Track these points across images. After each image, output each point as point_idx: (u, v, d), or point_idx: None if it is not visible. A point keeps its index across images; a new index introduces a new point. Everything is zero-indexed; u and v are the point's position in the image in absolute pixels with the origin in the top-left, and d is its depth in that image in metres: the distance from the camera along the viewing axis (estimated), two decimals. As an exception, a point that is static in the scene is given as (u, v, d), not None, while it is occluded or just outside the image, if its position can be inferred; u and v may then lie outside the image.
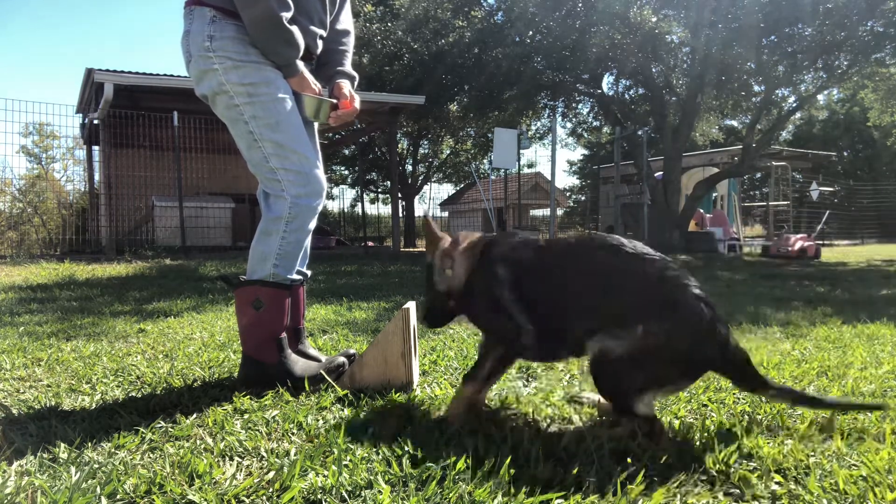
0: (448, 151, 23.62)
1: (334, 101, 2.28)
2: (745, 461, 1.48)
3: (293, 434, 1.68)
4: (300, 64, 2.17)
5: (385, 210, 23.12)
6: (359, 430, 1.68)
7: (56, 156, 24.17)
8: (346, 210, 23.51)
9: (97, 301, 4.77)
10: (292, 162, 2.14)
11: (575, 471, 1.39)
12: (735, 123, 20.73)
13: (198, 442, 1.62)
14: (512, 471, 1.39)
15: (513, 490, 1.32)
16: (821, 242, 15.19)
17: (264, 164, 2.15)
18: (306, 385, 2.10)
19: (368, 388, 2.11)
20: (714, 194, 15.76)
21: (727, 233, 14.39)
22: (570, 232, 26.78)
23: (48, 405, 1.97)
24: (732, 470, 1.43)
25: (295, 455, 1.50)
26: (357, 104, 2.32)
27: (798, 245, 11.86)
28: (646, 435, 1.59)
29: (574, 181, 37.78)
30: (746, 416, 1.85)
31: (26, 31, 60.56)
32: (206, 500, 1.27)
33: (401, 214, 17.30)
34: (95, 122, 11.63)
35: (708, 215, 15.04)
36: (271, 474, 1.39)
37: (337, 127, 11.26)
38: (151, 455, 1.54)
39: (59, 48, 67.76)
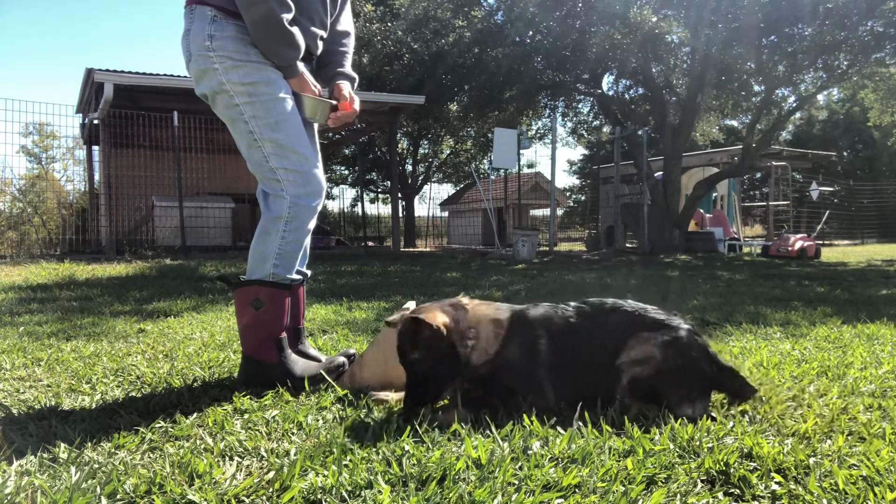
0: (448, 151, 23.62)
1: (334, 102, 2.28)
2: (745, 461, 1.48)
3: (293, 434, 1.68)
4: (300, 65, 2.17)
5: (385, 210, 23.14)
6: (359, 430, 1.68)
7: (56, 156, 24.22)
8: (346, 210, 23.54)
9: (97, 301, 4.77)
10: (292, 161, 2.14)
11: (575, 471, 1.39)
12: (735, 123, 20.74)
13: (198, 442, 1.62)
14: (512, 471, 1.39)
15: (513, 490, 1.32)
16: (821, 242, 15.20)
17: (264, 163, 2.15)
18: (306, 385, 2.11)
19: (368, 388, 2.11)
20: (714, 194, 15.76)
21: (727, 233, 14.39)
22: (570, 232, 26.74)
23: (48, 405, 1.97)
24: (732, 470, 1.43)
25: (295, 455, 1.50)
26: (357, 106, 2.32)
27: (798, 245, 11.86)
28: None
29: (574, 181, 37.80)
30: (746, 417, 1.85)
31: (26, 31, 60.58)
32: (206, 500, 1.27)
33: (401, 214, 17.30)
34: (95, 122, 11.63)
35: (708, 215, 15.03)
36: (271, 474, 1.39)
37: (336, 127, 11.28)
38: (151, 455, 1.54)
39: (59, 48, 67.78)
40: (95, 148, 13.05)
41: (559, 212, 23.21)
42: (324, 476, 1.36)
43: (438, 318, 1.86)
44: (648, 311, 1.96)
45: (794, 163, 20.18)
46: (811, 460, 1.48)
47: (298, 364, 2.18)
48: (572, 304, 2.01)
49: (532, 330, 1.91)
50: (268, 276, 2.15)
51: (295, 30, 2.09)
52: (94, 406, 1.98)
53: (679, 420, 1.74)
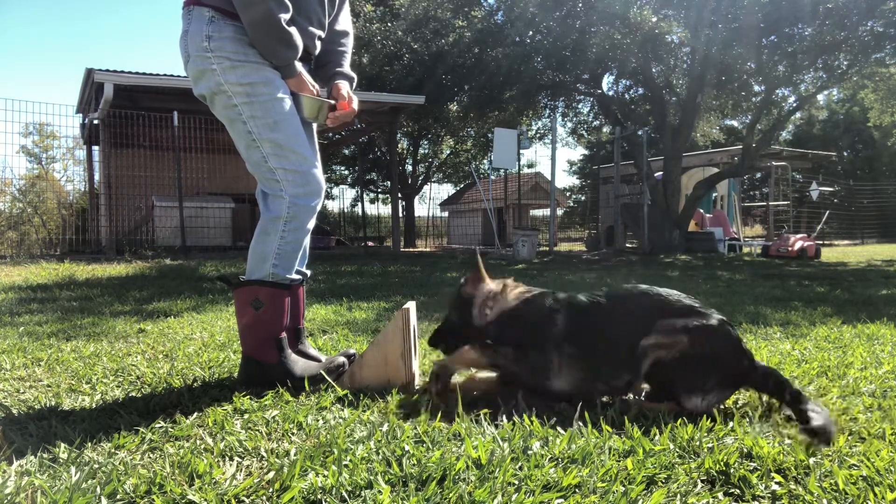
0: (448, 151, 23.62)
1: (332, 101, 2.28)
2: (745, 461, 1.48)
3: (293, 434, 1.68)
4: (298, 65, 2.17)
5: (385, 210, 23.17)
6: (359, 430, 1.68)
7: (56, 156, 24.26)
8: (346, 210, 23.55)
9: (97, 301, 4.77)
10: (291, 161, 2.14)
11: (575, 471, 1.39)
12: (735, 123, 20.74)
13: (198, 442, 1.62)
14: (512, 471, 1.39)
15: (513, 490, 1.32)
16: (821, 242, 15.20)
17: (263, 163, 2.14)
18: (306, 385, 2.10)
19: (368, 388, 2.11)
20: (714, 194, 15.76)
21: (727, 233, 14.39)
22: (570, 232, 26.75)
23: (48, 405, 1.97)
24: (732, 470, 1.42)
25: (295, 455, 1.50)
26: (355, 105, 2.32)
27: (798, 245, 11.86)
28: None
29: (574, 181, 37.80)
30: (747, 417, 1.85)
31: (26, 31, 60.59)
32: (206, 500, 1.27)
33: (401, 214, 17.30)
34: (95, 122, 11.63)
35: (708, 215, 15.03)
36: (271, 474, 1.39)
37: (336, 127, 11.29)
38: (151, 455, 1.54)
39: (59, 48, 67.79)
40: (95, 148, 13.06)
41: (559, 212, 23.21)
42: (324, 476, 1.36)
43: (494, 283, 2.20)
44: (682, 298, 1.97)
45: (794, 163, 20.18)
46: (811, 460, 1.48)
47: (298, 364, 2.18)
48: (605, 290, 2.10)
49: (552, 303, 2.06)
50: (267, 276, 2.15)
51: (293, 30, 2.09)
52: (94, 406, 1.98)
53: (679, 420, 1.74)
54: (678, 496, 1.32)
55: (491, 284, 2.20)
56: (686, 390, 1.85)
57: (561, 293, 2.12)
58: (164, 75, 11.24)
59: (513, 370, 2.02)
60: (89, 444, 1.60)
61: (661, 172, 13.89)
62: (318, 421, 1.77)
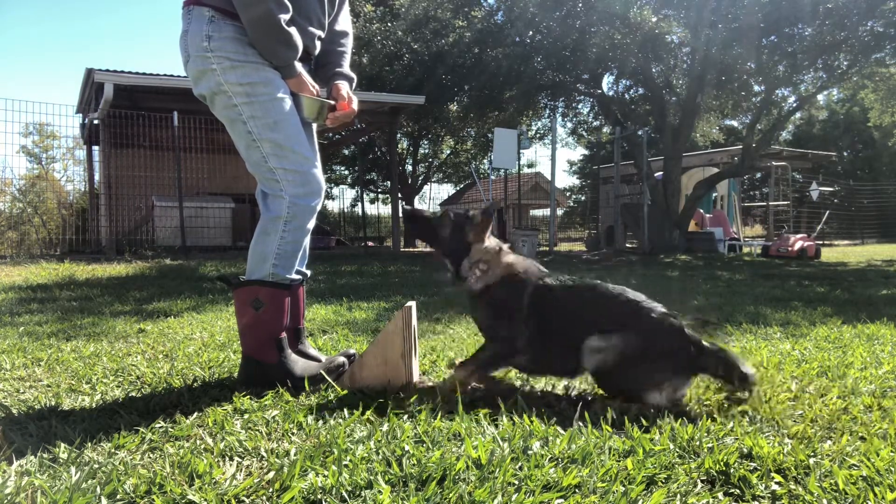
0: (448, 151, 23.63)
1: (332, 102, 2.28)
2: (745, 461, 1.48)
3: (293, 434, 1.68)
4: (298, 65, 2.17)
5: (385, 210, 23.20)
6: (359, 430, 1.68)
7: (56, 156, 24.28)
8: (346, 210, 23.55)
9: (97, 301, 4.77)
10: (291, 161, 2.14)
11: (575, 471, 1.39)
12: (735, 123, 20.75)
13: (198, 442, 1.62)
14: (512, 471, 1.39)
15: (513, 490, 1.32)
16: (821, 242, 15.19)
17: (263, 163, 2.14)
18: (306, 385, 2.10)
19: (368, 388, 2.11)
20: (714, 194, 15.76)
21: (727, 233, 14.39)
22: (570, 232, 26.75)
23: (48, 405, 1.97)
24: (732, 470, 1.43)
25: (295, 455, 1.50)
26: (355, 105, 2.32)
27: (798, 245, 11.86)
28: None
29: (574, 181, 37.78)
30: (746, 416, 1.85)
31: (26, 31, 60.60)
32: (206, 500, 1.27)
33: (401, 214, 17.28)
34: (95, 122, 11.63)
35: (708, 215, 15.03)
36: (271, 474, 1.39)
37: (335, 127, 11.28)
38: (151, 455, 1.54)
39: (59, 48, 67.80)
40: (95, 148, 13.05)
41: (559, 212, 23.22)
42: (324, 476, 1.36)
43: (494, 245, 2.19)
44: (627, 293, 2.03)
45: (794, 163, 20.18)
46: (811, 460, 1.48)
47: (298, 364, 2.18)
48: (568, 277, 2.21)
49: (525, 283, 2.12)
50: (267, 276, 2.15)
51: (292, 30, 2.09)
52: (94, 406, 1.98)
53: (679, 420, 1.74)
54: (678, 496, 1.32)
55: (490, 244, 2.18)
56: (642, 389, 1.90)
57: (550, 276, 2.18)
58: (164, 75, 11.23)
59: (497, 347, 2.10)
60: (89, 444, 1.60)
61: (661, 172, 13.89)
62: (318, 421, 1.77)
